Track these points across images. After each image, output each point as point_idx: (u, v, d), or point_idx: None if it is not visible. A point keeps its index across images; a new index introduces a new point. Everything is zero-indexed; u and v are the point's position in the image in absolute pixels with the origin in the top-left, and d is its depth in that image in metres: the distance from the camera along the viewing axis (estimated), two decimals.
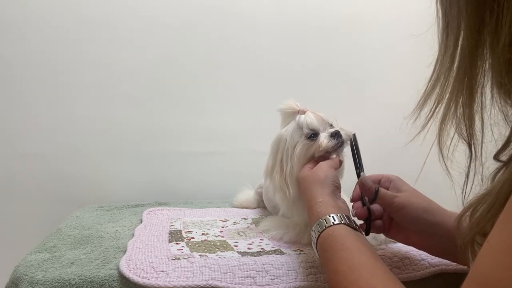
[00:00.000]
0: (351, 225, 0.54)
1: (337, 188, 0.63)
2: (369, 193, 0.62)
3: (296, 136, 0.72)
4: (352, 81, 1.31)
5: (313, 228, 0.56)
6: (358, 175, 0.66)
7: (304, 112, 0.73)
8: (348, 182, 0.77)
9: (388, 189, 0.64)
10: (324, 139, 0.70)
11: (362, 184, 0.63)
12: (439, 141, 0.44)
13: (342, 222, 0.54)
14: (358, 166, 0.67)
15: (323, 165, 0.66)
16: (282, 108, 0.76)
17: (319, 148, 0.70)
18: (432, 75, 0.46)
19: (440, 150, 0.44)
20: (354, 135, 0.72)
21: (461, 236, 0.41)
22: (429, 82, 0.47)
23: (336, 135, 0.71)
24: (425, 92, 0.47)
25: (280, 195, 0.74)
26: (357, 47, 1.31)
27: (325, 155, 0.71)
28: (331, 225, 0.54)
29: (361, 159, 0.68)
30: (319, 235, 0.54)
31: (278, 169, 0.73)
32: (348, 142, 0.72)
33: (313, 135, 0.71)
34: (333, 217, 0.54)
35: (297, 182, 0.70)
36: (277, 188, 0.74)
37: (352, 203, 0.67)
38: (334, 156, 0.72)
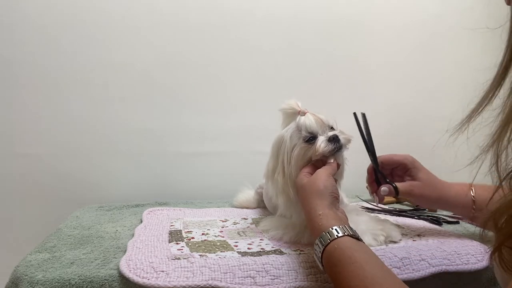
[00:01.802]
0: (354, 235, 0.55)
1: (336, 198, 0.63)
2: (391, 193, 0.74)
3: (295, 138, 0.71)
4: (354, 80, 1.31)
5: (316, 242, 0.56)
6: (372, 154, 0.75)
7: (304, 114, 0.72)
8: (348, 184, 0.77)
9: (403, 176, 0.76)
10: (321, 144, 0.69)
11: (383, 195, 0.74)
12: (497, 161, 0.41)
13: (345, 234, 0.54)
14: (369, 149, 0.74)
15: (322, 174, 0.65)
16: (283, 108, 0.75)
17: (316, 153, 0.69)
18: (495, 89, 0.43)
19: (498, 171, 0.41)
20: (363, 115, 0.75)
21: (487, 239, 0.41)
22: (490, 96, 0.44)
23: (334, 139, 0.70)
24: (477, 108, 0.45)
25: (283, 198, 0.73)
26: (359, 47, 1.31)
27: (322, 159, 0.70)
28: (335, 238, 0.54)
29: (371, 139, 0.75)
30: (323, 249, 0.54)
31: (281, 171, 0.72)
32: (348, 146, 0.73)
33: (311, 138, 0.70)
34: (336, 229, 0.55)
35: (295, 187, 0.70)
36: (279, 191, 0.73)
37: (368, 186, 0.77)
38: (331, 160, 0.70)
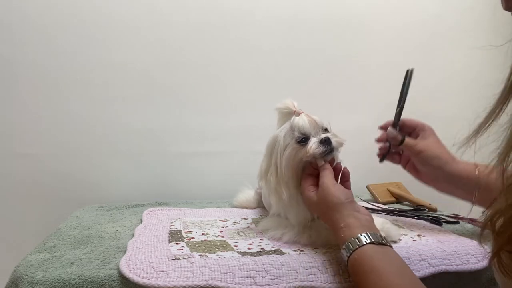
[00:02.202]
0: (376, 241, 0.55)
1: (352, 202, 0.63)
2: (395, 141, 0.78)
3: (288, 138, 0.71)
4: (354, 80, 1.31)
5: (341, 251, 0.58)
6: (400, 108, 0.79)
7: (299, 114, 0.72)
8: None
9: (417, 136, 0.79)
10: (312, 145, 0.69)
11: (389, 136, 0.79)
12: (503, 174, 0.40)
13: (367, 242, 0.55)
14: (400, 104, 0.79)
15: (328, 186, 0.65)
16: (279, 107, 0.75)
17: (307, 154, 0.69)
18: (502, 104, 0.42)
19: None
20: (412, 70, 0.79)
21: (483, 240, 0.40)
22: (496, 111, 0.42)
23: (325, 142, 0.70)
24: (485, 123, 0.43)
25: (275, 198, 0.73)
26: (359, 47, 1.31)
27: (312, 161, 0.71)
28: (357, 248, 0.55)
29: (406, 97, 0.79)
30: (348, 258, 0.56)
31: (274, 171, 0.72)
32: (340, 150, 0.73)
33: (304, 139, 0.70)
34: (357, 238, 0.56)
35: (288, 188, 0.71)
36: (272, 191, 0.73)
37: (377, 142, 0.83)
38: (322, 162, 0.70)
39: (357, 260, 0.54)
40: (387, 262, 0.53)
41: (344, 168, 0.72)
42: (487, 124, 0.43)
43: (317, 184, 0.69)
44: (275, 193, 0.73)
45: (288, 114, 0.74)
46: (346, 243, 0.57)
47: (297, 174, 0.72)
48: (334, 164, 0.72)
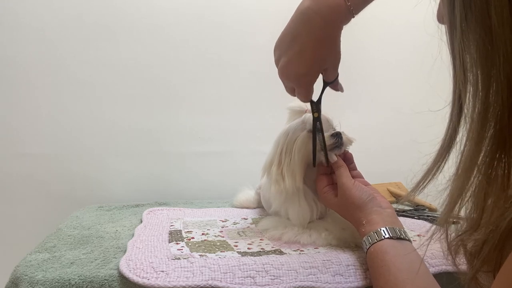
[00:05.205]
0: (395, 236, 0.57)
1: (373, 198, 0.64)
2: None
3: (298, 131, 0.74)
4: (354, 81, 1.31)
5: (361, 243, 0.60)
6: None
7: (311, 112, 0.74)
8: None
9: None
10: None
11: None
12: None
13: (385, 236, 0.57)
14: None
15: (349, 188, 0.66)
16: (293, 106, 0.78)
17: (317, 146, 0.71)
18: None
19: None
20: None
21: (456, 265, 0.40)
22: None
23: (336, 135, 0.72)
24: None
25: (275, 188, 0.74)
26: (359, 46, 1.31)
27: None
28: (375, 242, 0.57)
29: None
30: (367, 251, 0.58)
31: (276, 162, 0.74)
32: (348, 147, 0.74)
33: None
34: (377, 232, 0.58)
35: (293, 178, 0.71)
36: (272, 181, 0.74)
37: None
38: (335, 159, 0.71)
39: (372, 253, 0.56)
40: (400, 257, 0.54)
41: (345, 151, 0.74)
42: (424, 184, 0.41)
43: (332, 183, 0.71)
44: (275, 183, 0.73)
45: (299, 112, 0.77)
46: (366, 236, 0.59)
47: (304, 165, 0.73)
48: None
